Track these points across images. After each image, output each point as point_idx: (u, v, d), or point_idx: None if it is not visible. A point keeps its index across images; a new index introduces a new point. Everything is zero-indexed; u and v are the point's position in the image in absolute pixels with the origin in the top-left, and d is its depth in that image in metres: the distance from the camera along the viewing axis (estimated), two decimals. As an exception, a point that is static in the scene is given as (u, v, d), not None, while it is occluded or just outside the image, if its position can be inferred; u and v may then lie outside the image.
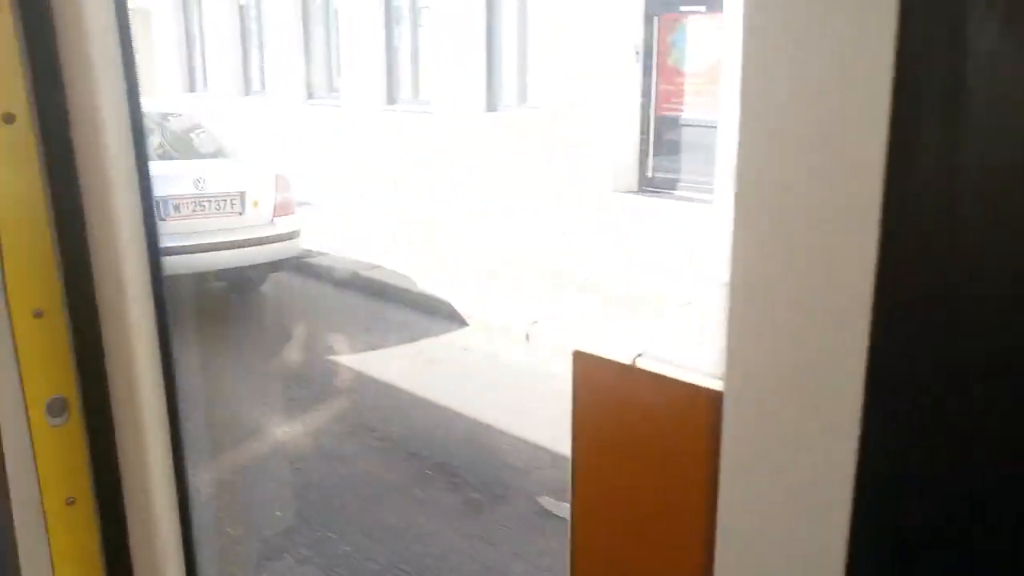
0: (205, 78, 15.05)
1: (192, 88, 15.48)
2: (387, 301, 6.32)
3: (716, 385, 0.56)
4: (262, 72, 13.99)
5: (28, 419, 0.87)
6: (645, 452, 0.64)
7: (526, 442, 3.97)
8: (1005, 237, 0.39)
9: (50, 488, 0.89)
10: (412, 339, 5.51)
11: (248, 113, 14.00)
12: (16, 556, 0.86)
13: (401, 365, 5.05)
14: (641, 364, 0.63)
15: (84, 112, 0.85)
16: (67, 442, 0.90)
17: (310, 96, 13.03)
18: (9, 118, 0.83)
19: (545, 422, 3.91)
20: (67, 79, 0.84)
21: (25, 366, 0.86)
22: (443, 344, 5.45)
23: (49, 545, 0.90)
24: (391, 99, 11.78)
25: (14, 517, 0.86)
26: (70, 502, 0.91)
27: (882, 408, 0.43)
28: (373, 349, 5.38)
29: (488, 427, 4.16)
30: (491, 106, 10.46)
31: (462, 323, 5.74)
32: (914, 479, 0.44)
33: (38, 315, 0.86)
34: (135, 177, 0.88)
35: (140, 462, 0.92)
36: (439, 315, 5.90)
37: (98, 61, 0.83)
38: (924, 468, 0.43)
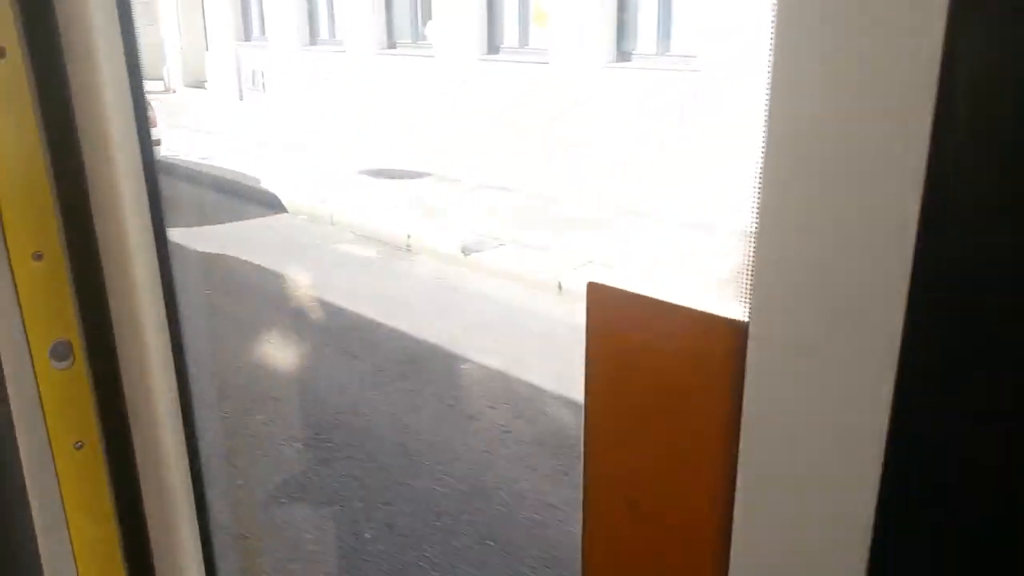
0: (263, 24, 13.45)
1: (247, 36, 13.89)
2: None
3: (740, 316, 0.52)
4: (331, 17, 12.40)
5: (33, 364, 0.86)
6: (663, 386, 0.61)
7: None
8: None
9: (58, 433, 0.89)
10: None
11: (314, 66, 12.43)
12: (27, 502, 0.85)
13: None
14: (659, 295, 0.60)
15: (78, 45, 0.83)
16: (73, 386, 0.90)
17: (391, 45, 11.50)
18: (0, 52, 0.80)
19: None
20: (59, 9, 0.82)
21: (27, 310, 0.85)
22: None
23: (60, 490, 0.90)
24: (492, 47, 10.27)
25: (23, 464, 0.85)
26: (78, 446, 0.91)
27: (920, 339, 0.41)
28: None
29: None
30: (623, 56, 8.99)
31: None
32: (953, 409, 0.42)
33: (38, 258, 0.85)
34: (131, 111, 0.86)
35: (147, 403, 0.91)
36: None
37: None
38: (964, 398, 0.41)
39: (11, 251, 0.83)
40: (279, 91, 13.15)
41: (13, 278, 0.83)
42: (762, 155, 0.45)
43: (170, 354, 0.92)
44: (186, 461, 0.95)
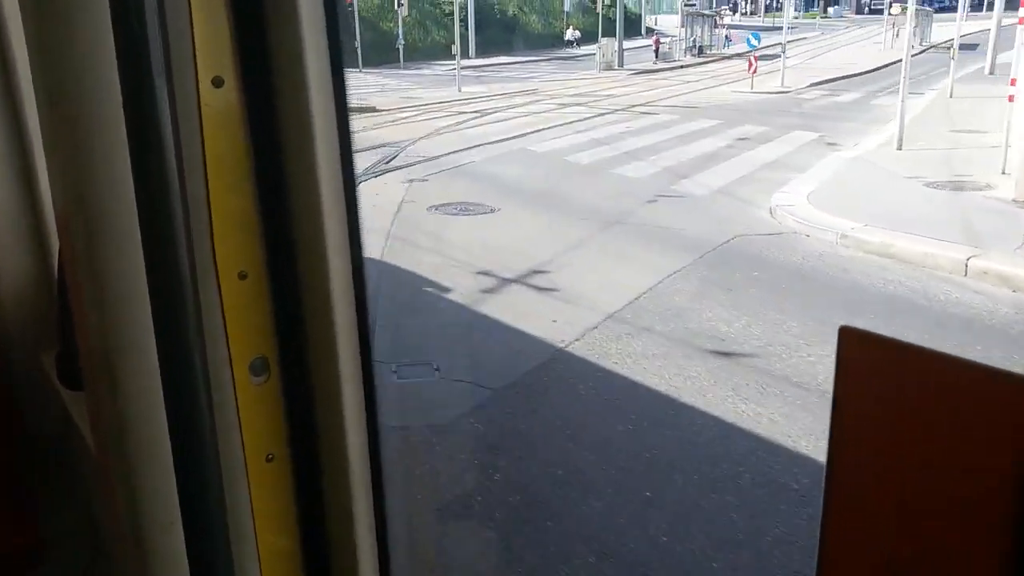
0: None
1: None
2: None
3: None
4: None
5: (233, 378, 0.90)
6: (925, 447, 0.55)
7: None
8: None
9: (252, 445, 0.93)
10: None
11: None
12: (224, 510, 0.89)
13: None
14: (922, 344, 0.55)
15: (287, 76, 0.85)
16: (267, 400, 0.93)
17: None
18: (218, 82, 0.84)
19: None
20: (272, 42, 0.85)
21: (231, 326, 0.89)
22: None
23: (251, 500, 0.94)
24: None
25: (222, 473, 0.88)
26: (269, 459, 0.95)
27: None
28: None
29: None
30: None
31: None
32: None
33: (242, 277, 0.89)
34: (336, 139, 0.87)
35: (335, 419, 0.93)
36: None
37: (304, 16, 0.83)
38: None
39: (220, 270, 0.87)
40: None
41: (220, 296, 0.87)
42: None
43: (359, 371, 0.92)
44: (368, 476, 0.96)
